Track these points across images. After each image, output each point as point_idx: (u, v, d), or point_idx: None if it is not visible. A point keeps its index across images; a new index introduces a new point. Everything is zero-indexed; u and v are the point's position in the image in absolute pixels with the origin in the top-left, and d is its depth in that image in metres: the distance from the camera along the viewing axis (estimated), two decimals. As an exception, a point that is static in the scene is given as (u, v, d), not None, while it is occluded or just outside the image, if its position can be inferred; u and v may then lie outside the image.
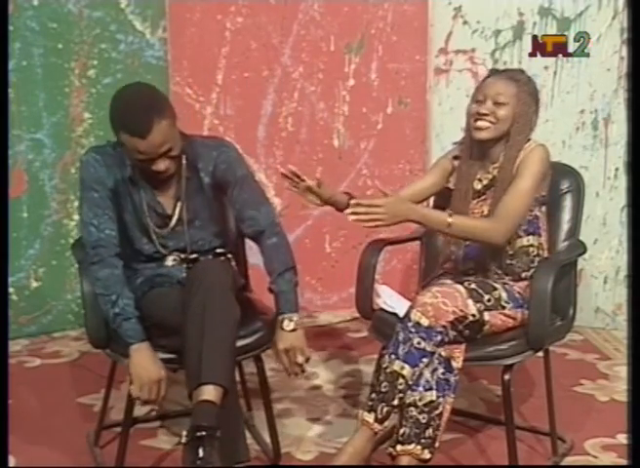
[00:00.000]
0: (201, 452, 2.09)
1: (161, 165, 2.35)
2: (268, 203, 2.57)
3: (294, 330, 2.38)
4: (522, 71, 2.60)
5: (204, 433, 2.11)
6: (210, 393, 2.18)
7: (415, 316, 2.32)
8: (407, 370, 2.30)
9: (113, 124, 2.35)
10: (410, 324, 2.32)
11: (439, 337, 2.31)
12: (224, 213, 2.65)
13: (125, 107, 2.33)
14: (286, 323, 2.39)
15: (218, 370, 2.21)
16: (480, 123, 2.49)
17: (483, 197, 2.57)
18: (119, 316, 2.32)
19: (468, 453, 2.66)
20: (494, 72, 2.61)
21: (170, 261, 2.52)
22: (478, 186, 2.58)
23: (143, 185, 2.46)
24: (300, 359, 2.38)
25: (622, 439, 2.68)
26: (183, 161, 2.46)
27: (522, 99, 2.49)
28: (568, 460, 2.61)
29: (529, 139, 2.52)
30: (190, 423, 2.16)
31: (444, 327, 2.31)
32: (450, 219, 2.37)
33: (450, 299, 2.33)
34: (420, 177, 2.74)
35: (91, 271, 2.39)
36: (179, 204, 2.49)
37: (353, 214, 2.26)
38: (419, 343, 2.30)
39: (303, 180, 2.53)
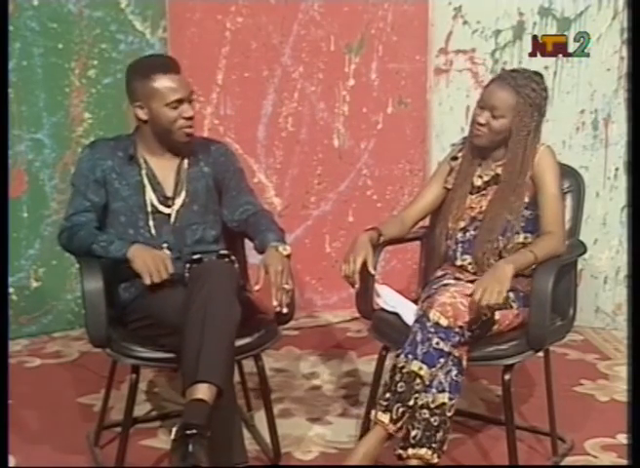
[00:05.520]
0: (190, 450, 2.08)
1: (190, 111, 2.50)
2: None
3: (288, 256, 2.42)
4: (529, 76, 2.51)
5: (194, 431, 2.10)
6: (203, 392, 2.18)
7: (434, 316, 2.31)
8: (425, 371, 2.29)
9: (142, 72, 2.49)
10: (429, 324, 2.30)
11: (457, 338, 2.30)
12: (221, 216, 2.67)
13: (151, 57, 2.77)
14: (282, 247, 2.43)
15: (214, 369, 2.21)
16: (477, 131, 2.53)
17: (482, 192, 2.60)
18: (104, 247, 2.43)
19: (468, 453, 2.65)
20: (501, 76, 2.56)
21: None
22: (478, 182, 2.61)
23: (145, 166, 2.56)
24: (289, 285, 2.38)
25: (622, 439, 2.68)
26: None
27: (521, 112, 2.48)
28: (568, 460, 2.61)
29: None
30: (181, 421, 2.15)
31: (461, 327, 2.31)
32: (532, 253, 2.41)
33: (467, 299, 2.33)
34: (424, 186, 2.75)
35: (65, 235, 2.55)
36: (179, 186, 2.57)
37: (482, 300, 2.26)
38: (437, 344, 2.29)
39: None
